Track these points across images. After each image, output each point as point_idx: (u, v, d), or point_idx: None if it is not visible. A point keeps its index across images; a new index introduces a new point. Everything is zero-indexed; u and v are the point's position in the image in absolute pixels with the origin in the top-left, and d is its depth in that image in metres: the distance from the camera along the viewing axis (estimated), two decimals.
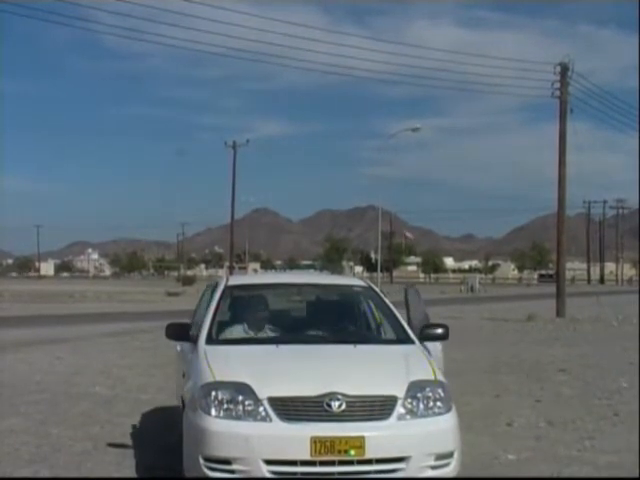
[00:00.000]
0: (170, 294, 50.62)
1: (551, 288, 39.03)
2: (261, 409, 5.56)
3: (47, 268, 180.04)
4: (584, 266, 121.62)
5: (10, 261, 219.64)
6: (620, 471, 6.83)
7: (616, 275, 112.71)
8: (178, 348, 7.56)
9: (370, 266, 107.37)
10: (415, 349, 6.63)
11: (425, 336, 6.92)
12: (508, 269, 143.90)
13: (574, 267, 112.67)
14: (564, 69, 32.34)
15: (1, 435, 8.14)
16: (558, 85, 32.29)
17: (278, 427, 5.50)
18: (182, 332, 6.91)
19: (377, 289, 7.76)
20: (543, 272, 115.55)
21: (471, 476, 6.20)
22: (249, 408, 5.59)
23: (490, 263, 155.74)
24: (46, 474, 6.62)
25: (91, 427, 8.49)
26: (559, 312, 30.49)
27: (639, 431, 7.53)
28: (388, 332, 7.17)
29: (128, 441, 7.77)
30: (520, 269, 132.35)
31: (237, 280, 8.33)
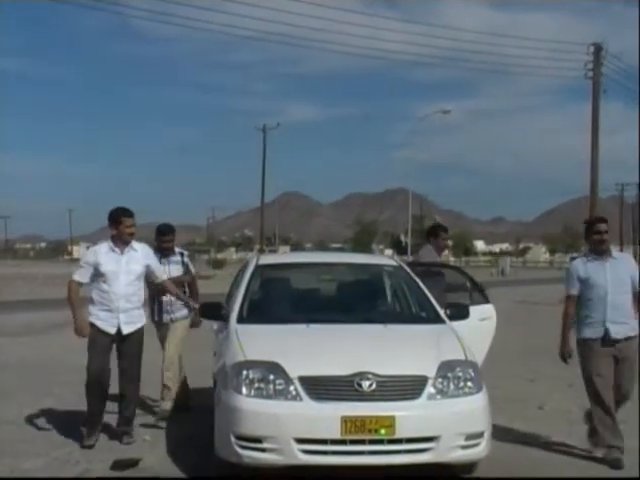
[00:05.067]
0: (201, 277, 50.60)
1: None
2: (292, 388, 5.58)
3: (80, 251, 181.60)
4: (617, 249, 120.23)
5: (43, 244, 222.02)
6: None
7: None
8: (215, 327, 7.61)
9: (400, 249, 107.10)
10: (446, 329, 6.61)
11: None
12: (539, 252, 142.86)
13: None
14: (597, 49, 31.92)
15: (35, 416, 8.25)
16: (591, 66, 31.89)
17: (309, 406, 5.52)
18: (215, 311, 6.97)
19: (408, 268, 7.73)
20: (575, 255, 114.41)
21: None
22: (280, 387, 5.60)
23: (521, 246, 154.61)
24: (77, 456, 6.70)
25: None
26: None
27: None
28: (419, 312, 7.15)
29: (161, 424, 7.79)
30: (551, 252, 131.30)
31: (268, 259, 8.34)
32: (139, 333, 7.24)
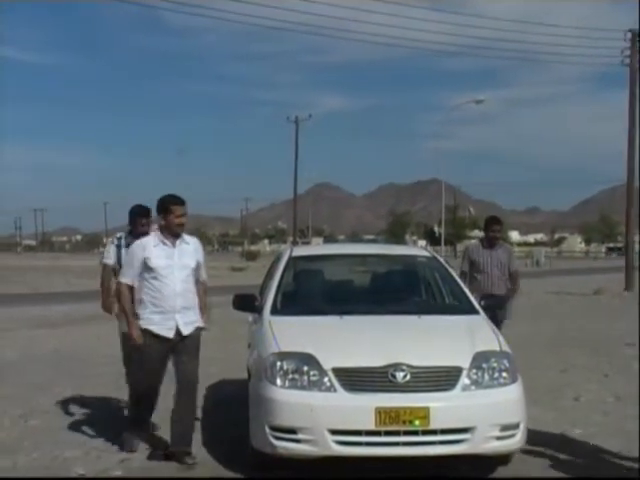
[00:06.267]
0: (235, 269, 51.05)
1: (619, 261, 38.29)
2: (326, 379, 5.59)
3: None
4: None
5: (79, 237, 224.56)
6: None
7: None
8: (250, 319, 7.63)
9: (433, 240, 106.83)
10: (480, 319, 6.59)
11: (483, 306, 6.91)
12: (575, 242, 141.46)
13: None
14: (634, 35, 31.44)
15: (72, 406, 8.37)
16: (628, 52, 31.44)
17: (343, 397, 5.52)
18: (248, 303, 7.00)
19: (442, 259, 7.71)
20: (611, 245, 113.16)
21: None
22: (314, 378, 5.62)
23: (556, 236, 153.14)
24: (114, 446, 6.77)
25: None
26: (628, 286, 29.90)
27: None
28: (453, 302, 7.13)
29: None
30: (587, 242, 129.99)
31: (301, 251, 8.35)
32: (198, 333, 6.46)
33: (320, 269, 7.71)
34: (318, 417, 5.48)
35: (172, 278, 6.28)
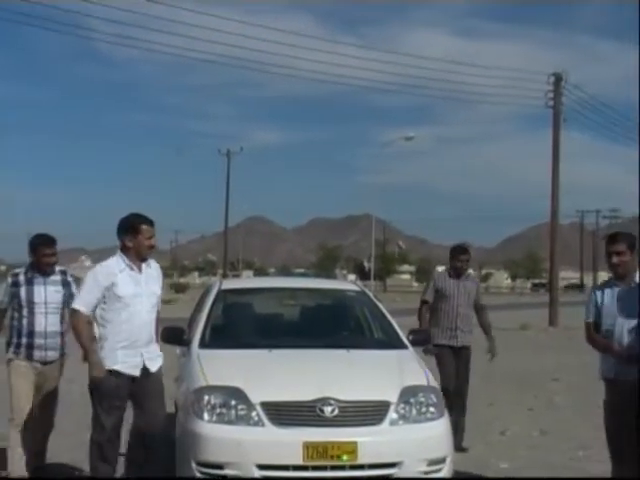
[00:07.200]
0: (164, 301, 50.28)
1: (544, 297, 39.12)
2: (254, 414, 5.54)
3: None
4: (577, 275, 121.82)
5: (3, 268, 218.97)
6: None
7: None
8: (178, 352, 7.53)
9: (363, 274, 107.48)
10: (408, 354, 6.63)
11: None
12: (501, 278, 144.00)
13: (567, 276, 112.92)
14: (558, 79, 32.54)
15: None
16: (552, 95, 32.46)
17: (271, 432, 5.48)
18: (177, 336, 6.86)
19: (370, 294, 7.76)
20: (536, 281, 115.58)
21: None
22: (242, 413, 5.56)
23: (483, 272, 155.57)
24: None
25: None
26: (552, 321, 30.56)
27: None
28: (381, 337, 7.17)
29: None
30: (513, 278, 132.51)
31: (231, 284, 8.31)
32: (161, 372, 5.88)
33: (250, 302, 7.68)
34: (246, 452, 5.43)
35: (140, 307, 5.67)
